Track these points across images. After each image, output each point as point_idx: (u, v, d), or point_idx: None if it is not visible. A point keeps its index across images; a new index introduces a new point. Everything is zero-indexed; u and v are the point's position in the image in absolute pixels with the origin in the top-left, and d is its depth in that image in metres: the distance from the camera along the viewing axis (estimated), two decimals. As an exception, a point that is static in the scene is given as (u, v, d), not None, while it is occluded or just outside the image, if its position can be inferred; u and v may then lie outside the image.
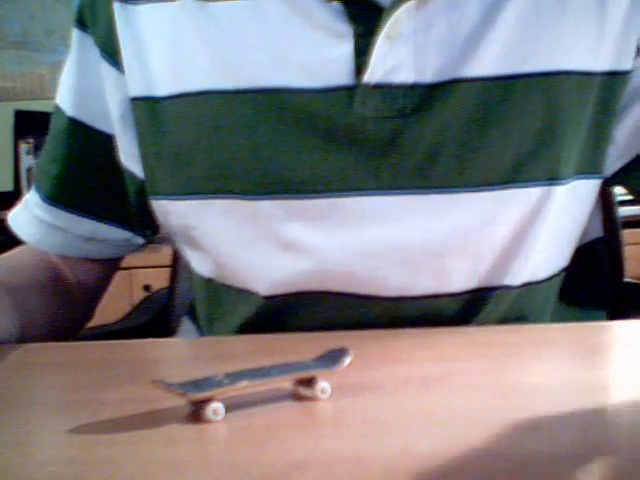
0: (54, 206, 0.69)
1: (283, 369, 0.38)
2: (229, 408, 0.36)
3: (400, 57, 0.56)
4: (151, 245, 0.77)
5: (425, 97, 0.56)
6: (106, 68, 0.65)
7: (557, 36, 0.57)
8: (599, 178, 0.62)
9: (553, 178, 0.58)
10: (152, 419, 0.36)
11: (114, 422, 0.36)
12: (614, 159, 0.62)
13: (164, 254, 0.68)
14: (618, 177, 0.63)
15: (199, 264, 0.66)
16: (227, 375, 0.37)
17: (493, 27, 0.56)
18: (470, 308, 0.59)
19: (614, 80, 0.59)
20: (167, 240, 0.72)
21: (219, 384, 0.36)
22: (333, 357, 0.40)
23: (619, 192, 0.75)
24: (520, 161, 0.57)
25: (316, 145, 0.57)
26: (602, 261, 0.73)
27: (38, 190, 0.71)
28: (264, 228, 0.59)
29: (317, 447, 0.32)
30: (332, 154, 0.57)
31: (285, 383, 0.38)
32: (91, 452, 0.33)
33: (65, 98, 0.69)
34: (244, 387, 0.36)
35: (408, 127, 0.56)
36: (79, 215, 0.69)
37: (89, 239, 0.70)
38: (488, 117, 0.56)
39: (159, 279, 1.06)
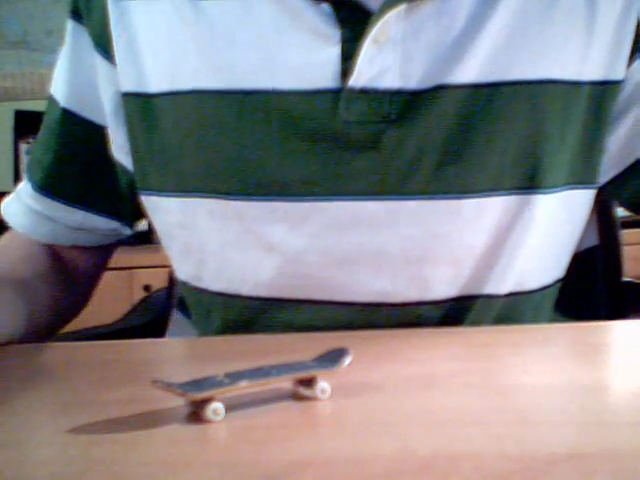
0: (44, 195, 0.70)
1: (283, 369, 0.38)
2: (229, 408, 0.36)
3: (387, 62, 0.55)
4: (151, 245, 0.77)
5: (410, 103, 0.56)
6: (99, 61, 0.65)
7: (543, 45, 0.56)
8: (593, 188, 0.61)
9: (535, 187, 0.57)
10: (152, 419, 0.36)
11: (114, 422, 0.36)
12: (607, 168, 0.62)
13: (164, 254, 0.68)
14: (611, 187, 0.63)
15: (180, 263, 0.66)
16: (227, 375, 0.37)
17: (479, 34, 0.56)
18: (452, 316, 0.59)
19: (605, 89, 0.58)
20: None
21: (219, 384, 0.36)
22: (333, 357, 0.40)
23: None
24: (502, 169, 0.57)
25: (300, 148, 0.57)
26: (597, 269, 0.73)
27: (30, 179, 0.71)
28: (248, 229, 0.59)
29: (317, 447, 0.32)
30: (316, 157, 0.57)
31: (285, 383, 0.38)
32: (91, 452, 0.33)
33: (59, 89, 0.69)
34: (244, 387, 0.36)
35: (391, 133, 0.56)
36: (69, 205, 0.70)
37: (77, 229, 0.71)
38: (471, 124, 0.56)
39: (159, 279, 1.06)
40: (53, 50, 2.32)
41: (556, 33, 0.57)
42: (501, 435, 0.32)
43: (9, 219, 0.73)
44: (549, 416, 0.35)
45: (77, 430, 0.35)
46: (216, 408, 0.35)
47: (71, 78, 0.68)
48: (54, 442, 0.34)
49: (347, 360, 0.39)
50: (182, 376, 0.37)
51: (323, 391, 0.38)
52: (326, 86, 0.56)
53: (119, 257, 0.82)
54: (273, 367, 0.38)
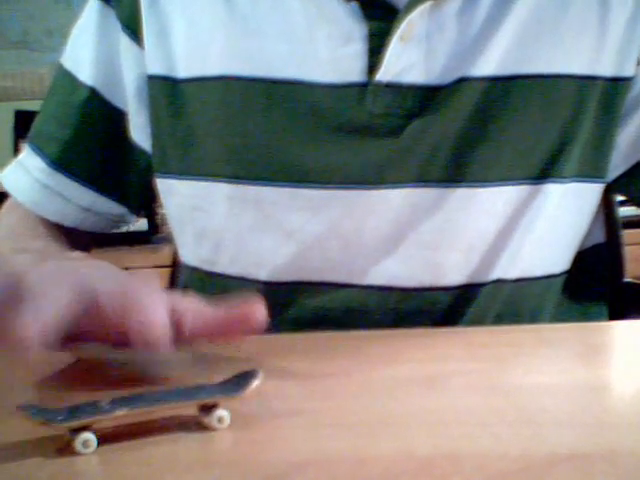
0: (60, 172, 0.69)
1: (180, 394, 0.35)
2: (106, 438, 0.33)
3: (412, 59, 0.57)
4: (151, 245, 0.77)
5: (432, 97, 0.58)
6: (127, 42, 0.65)
7: (558, 40, 0.58)
8: (601, 182, 0.62)
9: (546, 177, 0.59)
10: (152, 419, 0.36)
11: (114, 422, 0.36)
12: (615, 165, 0.63)
13: (164, 254, 0.68)
14: (618, 184, 0.64)
15: (194, 248, 0.67)
16: (113, 400, 0.34)
17: (497, 30, 0.58)
18: (463, 303, 0.60)
19: (616, 86, 0.60)
20: (167, 240, 0.72)
21: (94, 411, 0.33)
22: (239, 381, 0.36)
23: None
24: (516, 159, 0.59)
25: (324, 138, 0.59)
26: (604, 266, 0.73)
27: (40, 154, 0.70)
28: (267, 215, 0.61)
29: (317, 447, 0.32)
30: (339, 147, 0.59)
31: (188, 409, 0.35)
32: (91, 452, 0.33)
33: (82, 66, 0.68)
34: (122, 415, 0.33)
35: (414, 125, 0.58)
36: (83, 185, 0.69)
37: (87, 210, 0.70)
38: (488, 116, 0.58)
39: (159, 279, 1.06)
40: (53, 50, 2.32)
41: (570, 29, 0.58)
42: (501, 435, 0.32)
43: (15, 193, 0.71)
44: (549, 416, 0.35)
45: (77, 430, 0.35)
46: (86, 440, 0.33)
47: (97, 57, 0.67)
48: (54, 442, 0.34)
49: (254, 383, 0.35)
50: (179, 377, 0.37)
51: (220, 420, 0.35)
52: (353, 80, 0.58)
53: (119, 257, 0.82)
54: (169, 392, 0.36)
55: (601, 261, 0.73)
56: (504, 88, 0.58)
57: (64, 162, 0.69)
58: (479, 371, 0.43)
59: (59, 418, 0.33)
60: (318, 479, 0.29)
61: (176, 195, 0.65)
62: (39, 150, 0.70)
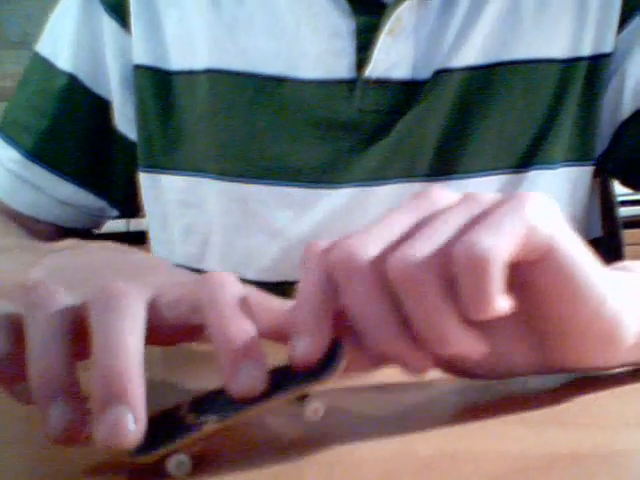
0: (36, 163, 0.66)
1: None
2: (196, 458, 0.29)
3: (400, 53, 0.57)
4: (148, 245, 0.76)
5: (418, 91, 0.58)
6: (112, 27, 0.63)
7: (538, 25, 0.58)
8: (590, 165, 0.62)
9: (533, 164, 0.59)
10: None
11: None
12: (600, 141, 0.62)
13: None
14: (605, 161, 0.63)
15: (179, 244, 0.65)
16: (194, 407, 0.30)
17: (479, 18, 0.58)
18: None
19: (598, 64, 0.59)
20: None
21: (182, 429, 0.29)
22: (320, 361, 0.30)
23: (619, 192, 0.75)
24: (500, 147, 0.59)
25: (313, 135, 0.58)
26: (603, 263, 0.73)
27: (13, 144, 0.67)
28: (254, 213, 0.60)
29: (317, 447, 0.32)
30: (327, 145, 0.58)
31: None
32: (91, 452, 0.32)
33: (61, 52, 0.65)
34: (213, 430, 0.29)
35: (402, 120, 0.58)
36: (60, 176, 0.66)
37: (64, 203, 0.67)
38: (470, 106, 0.58)
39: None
40: (53, 50, 2.32)
41: (550, 13, 0.58)
42: (501, 435, 0.32)
43: None
44: (549, 416, 0.34)
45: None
46: (180, 463, 0.28)
47: (78, 42, 0.65)
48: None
49: (341, 361, 0.29)
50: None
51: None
52: (342, 76, 0.58)
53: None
54: None
55: (599, 255, 0.72)
56: (485, 76, 0.58)
57: (40, 153, 0.66)
58: (479, 371, 0.43)
59: (142, 446, 0.28)
60: (318, 479, 0.29)
61: (161, 190, 0.64)
62: (12, 141, 0.67)
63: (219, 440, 0.30)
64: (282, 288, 0.61)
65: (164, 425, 0.29)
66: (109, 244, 0.45)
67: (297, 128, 0.58)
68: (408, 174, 0.58)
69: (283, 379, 0.30)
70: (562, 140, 0.60)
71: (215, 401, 0.30)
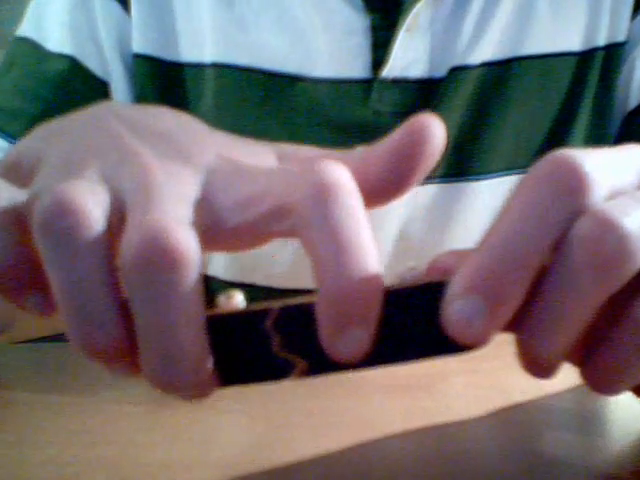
0: None
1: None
2: None
3: (418, 51, 0.55)
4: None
5: (435, 90, 0.56)
6: (110, 3, 0.59)
7: (554, 17, 0.57)
8: None
9: None
10: (152, 419, 0.36)
11: (113, 422, 0.36)
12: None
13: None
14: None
15: None
16: (280, 321, 0.26)
17: (494, 13, 0.56)
18: None
19: (612, 54, 0.59)
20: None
21: (267, 364, 0.25)
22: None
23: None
24: (517, 148, 0.57)
25: (326, 136, 0.56)
26: None
27: None
28: None
29: (317, 447, 0.32)
30: (341, 147, 0.57)
31: None
32: (91, 452, 0.33)
33: (53, 34, 0.62)
34: (297, 379, 0.24)
35: None
36: None
37: None
38: (485, 104, 0.57)
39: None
40: (53, 50, 2.32)
41: (564, 4, 0.57)
42: (502, 435, 0.32)
43: None
44: (550, 416, 0.35)
45: (77, 430, 0.35)
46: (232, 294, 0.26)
47: (72, 21, 0.61)
48: (54, 442, 0.34)
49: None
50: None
51: None
52: (357, 75, 0.56)
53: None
54: None
55: None
56: (501, 73, 0.57)
57: None
58: (479, 371, 0.43)
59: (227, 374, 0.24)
60: (318, 479, 0.29)
61: None
62: None
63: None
64: (293, 296, 0.60)
65: (248, 337, 0.25)
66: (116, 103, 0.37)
67: (309, 129, 0.56)
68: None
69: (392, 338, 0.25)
70: (578, 135, 0.59)
71: (306, 330, 0.25)
